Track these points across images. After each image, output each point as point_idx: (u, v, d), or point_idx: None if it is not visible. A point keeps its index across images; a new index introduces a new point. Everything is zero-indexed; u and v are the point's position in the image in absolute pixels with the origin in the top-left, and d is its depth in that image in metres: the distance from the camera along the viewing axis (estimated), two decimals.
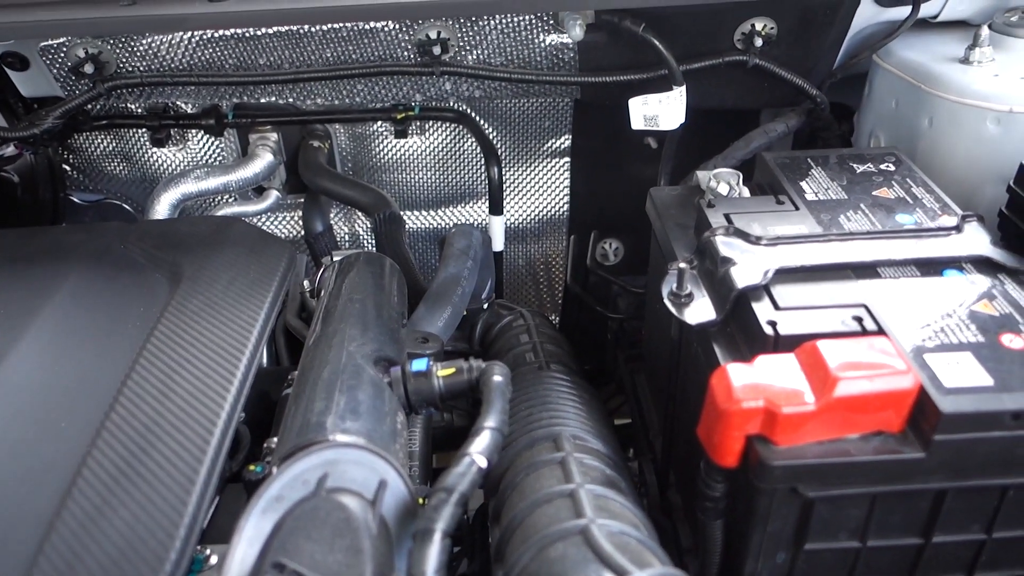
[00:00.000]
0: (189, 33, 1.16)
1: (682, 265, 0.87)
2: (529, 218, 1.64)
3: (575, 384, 1.04)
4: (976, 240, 0.89)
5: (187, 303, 0.91)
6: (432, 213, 1.63)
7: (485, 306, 1.30)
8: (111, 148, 1.52)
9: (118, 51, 1.18)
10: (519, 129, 1.54)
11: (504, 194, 1.57)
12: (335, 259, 1.16)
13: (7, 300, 0.94)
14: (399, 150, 1.56)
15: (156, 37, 1.16)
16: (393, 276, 1.07)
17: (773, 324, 0.78)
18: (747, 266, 0.85)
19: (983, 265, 0.86)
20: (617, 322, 1.38)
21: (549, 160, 1.59)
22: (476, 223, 1.62)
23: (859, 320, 0.78)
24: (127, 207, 1.61)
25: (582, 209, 1.63)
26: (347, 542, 0.62)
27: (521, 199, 1.62)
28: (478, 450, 0.68)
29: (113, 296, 0.95)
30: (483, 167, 1.57)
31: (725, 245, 0.89)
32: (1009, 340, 0.75)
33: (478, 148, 1.55)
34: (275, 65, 1.23)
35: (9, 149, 1.41)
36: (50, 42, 1.15)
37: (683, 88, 1.17)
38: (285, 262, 0.98)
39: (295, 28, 1.17)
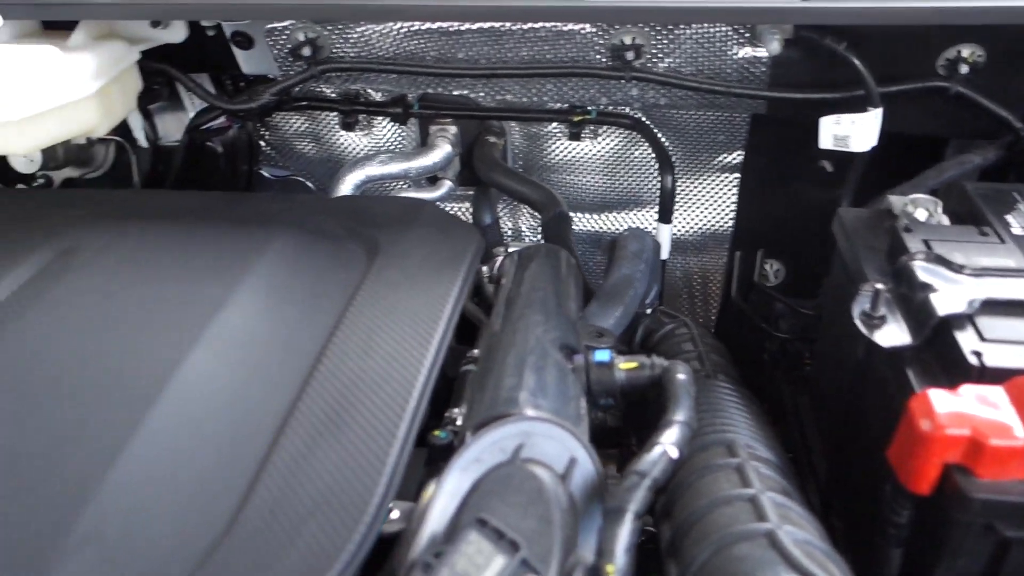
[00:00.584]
0: (399, 24, 1.23)
1: (879, 286, 0.85)
2: (692, 230, 1.64)
3: (742, 395, 1.04)
4: None
5: (384, 274, 0.97)
6: (596, 217, 1.65)
7: (648, 311, 1.31)
8: (303, 128, 1.63)
9: (333, 37, 1.27)
10: (692, 140, 1.54)
11: None
12: (511, 250, 1.20)
13: (221, 256, 1.03)
14: (570, 152, 1.59)
15: (369, 26, 1.24)
16: (571, 271, 1.10)
17: (979, 355, 0.75)
18: (949, 294, 0.83)
19: None
20: (779, 342, 1.36)
21: (719, 174, 1.58)
22: None
23: None
24: (310, 184, 1.72)
25: (747, 226, 1.61)
26: (539, 511, 0.65)
27: (686, 210, 1.62)
28: (670, 441, 0.70)
29: (316, 260, 1.02)
30: (650, 175, 1.58)
31: (925, 271, 0.87)
32: None
33: (647, 156, 1.56)
34: (472, 60, 1.29)
35: (219, 121, 1.54)
36: (275, 24, 1.25)
37: (879, 110, 1.15)
38: (475, 245, 1.03)
39: (497, 25, 1.22)
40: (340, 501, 0.69)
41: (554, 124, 1.54)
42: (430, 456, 0.81)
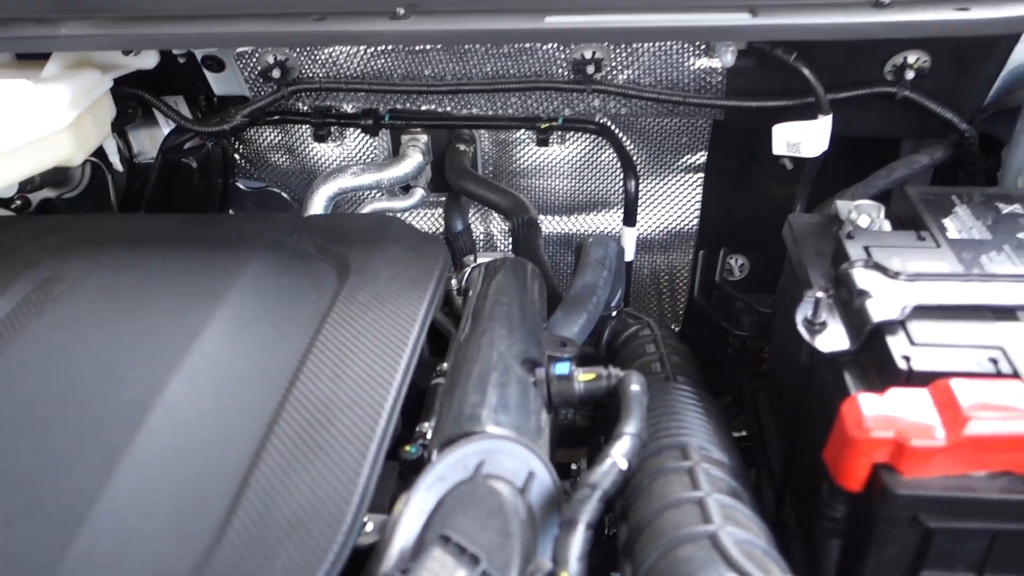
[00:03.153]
0: (365, 45, 1.26)
1: (819, 295, 0.90)
2: (658, 230, 1.69)
3: (701, 397, 1.09)
4: None
5: (355, 294, 1.01)
6: (565, 219, 1.70)
7: (613, 313, 1.36)
8: (277, 141, 1.66)
9: (302, 59, 1.31)
10: (656, 144, 1.59)
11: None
12: (479, 261, 1.25)
13: (197, 282, 1.07)
14: (539, 157, 1.63)
15: (337, 48, 1.27)
16: (535, 281, 1.15)
17: (907, 359, 0.81)
18: (884, 300, 0.88)
19: None
20: (740, 339, 1.41)
21: (683, 175, 1.63)
22: (608, 231, 1.69)
23: (995, 362, 0.80)
24: (285, 195, 1.76)
25: (711, 225, 1.66)
26: (499, 524, 0.70)
27: (652, 211, 1.67)
28: (620, 453, 0.75)
29: (289, 282, 1.06)
30: (617, 178, 1.63)
31: (863, 277, 0.92)
32: None
33: (613, 160, 1.61)
34: (438, 76, 1.33)
35: (194, 140, 1.57)
36: (245, 49, 1.28)
37: (829, 117, 1.20)
38: (441, 261, 1.07)
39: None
40: (316, 519, 0.74)
41: (522, 131, 1.59)
42: (402, 470, 0.86)
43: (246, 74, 1.34)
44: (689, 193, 1.65)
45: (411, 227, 1.19)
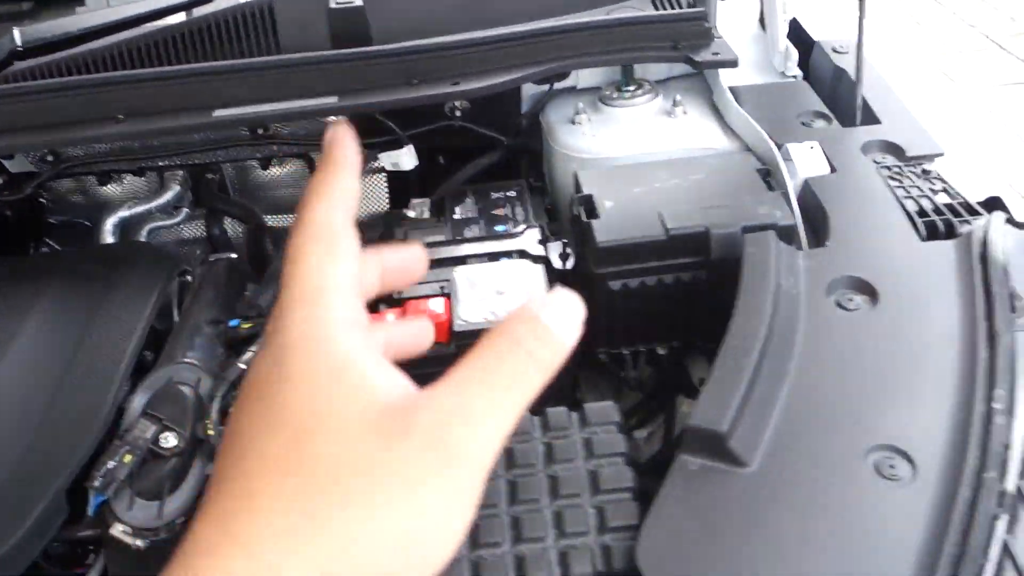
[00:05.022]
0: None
1: None
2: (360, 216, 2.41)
3: None
4: (528, 240, 1.66)
5: (111, 296, 1.68)
6: (290, 216, 2.40)
7: None
8: (71, 187, 2.28)
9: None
10: None
11: None
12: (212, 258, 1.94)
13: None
14: (265, 177, 2.32)
15: None
16: (226, 269, 1.85)
17: (400, 293, 1.56)
18: None
19: (525, 255, 1.64)
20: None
21: (371, 175, 2.35)
22: None
23: (442, 288, 1.56)
24: (88, 223, 2.37)
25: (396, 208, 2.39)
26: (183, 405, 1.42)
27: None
28: None
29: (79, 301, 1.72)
30: None
31: None
32: (502, 296, 1.53)
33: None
34: (181, 144, 2.01)
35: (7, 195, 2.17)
36: None
37: (411, 146, 1.93)
38: (167, 270, 1.75)
39: None
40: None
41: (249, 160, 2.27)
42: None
43: (30, 158, 1.97)
44: (381, 188, 2.38)
45: (150, 247, 1.86)
